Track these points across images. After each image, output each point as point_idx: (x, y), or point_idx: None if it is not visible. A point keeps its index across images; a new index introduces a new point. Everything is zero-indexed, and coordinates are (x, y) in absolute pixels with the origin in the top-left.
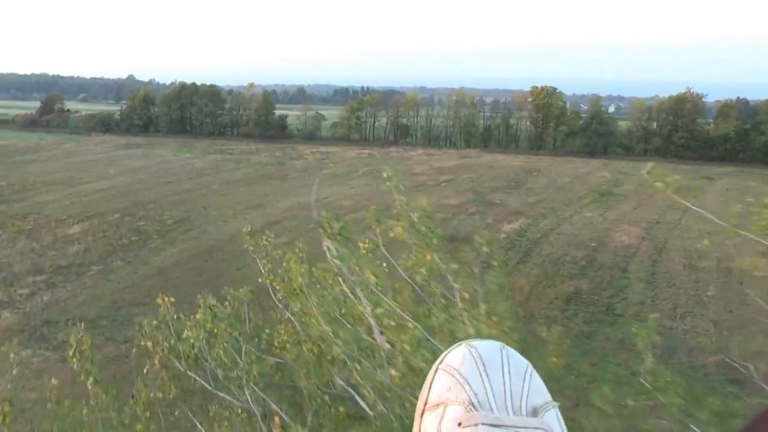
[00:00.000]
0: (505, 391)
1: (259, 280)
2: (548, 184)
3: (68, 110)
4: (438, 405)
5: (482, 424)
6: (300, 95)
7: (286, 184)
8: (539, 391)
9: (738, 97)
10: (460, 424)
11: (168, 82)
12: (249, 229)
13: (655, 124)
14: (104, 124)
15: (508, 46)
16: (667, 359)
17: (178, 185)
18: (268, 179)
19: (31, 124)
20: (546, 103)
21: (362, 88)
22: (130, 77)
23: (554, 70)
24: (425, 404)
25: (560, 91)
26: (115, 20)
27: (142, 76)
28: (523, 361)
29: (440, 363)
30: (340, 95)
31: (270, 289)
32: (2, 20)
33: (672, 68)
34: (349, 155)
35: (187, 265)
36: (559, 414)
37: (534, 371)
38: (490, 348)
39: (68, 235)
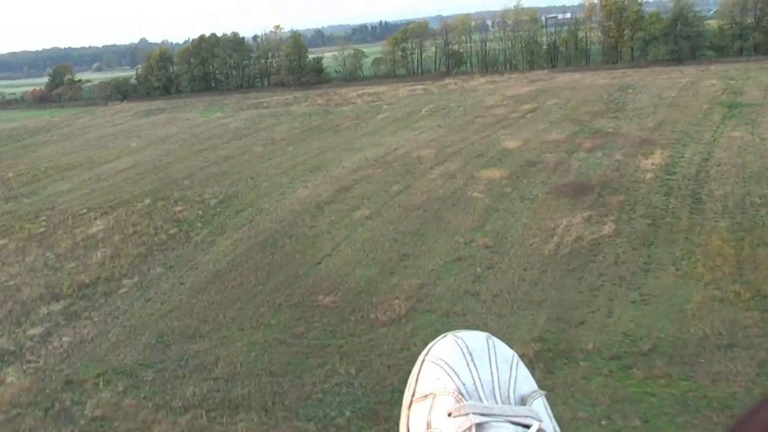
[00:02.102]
0: (492, 380)
1: None
2: (654, 101)
3: (79, 80)
4: (426, 396)
5: (472, 413)
6: (318, 38)
7: (341, 136)
8: (526, 380)
9: None
10: (449, 414)
11: (181, 41)
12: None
13: (751, 19)
14: (120, 91)
15: None
16: None
17: (215, 152)
18: (318, 132)
19: (41, 100)
20: (619, 8)
21: (380, 22)
22: (143, 41)
23: None
24: (413, 396)
25: None
26: None
27: (154, 38)
28: (510, 351)
29: (426, 354)
30: (359, 33)
31: None
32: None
33: None
34: (402, 93)
35: (247, 264)
36: (546, 402)
37: (520, 361)
38: (477, 338)
39: (90, 235)
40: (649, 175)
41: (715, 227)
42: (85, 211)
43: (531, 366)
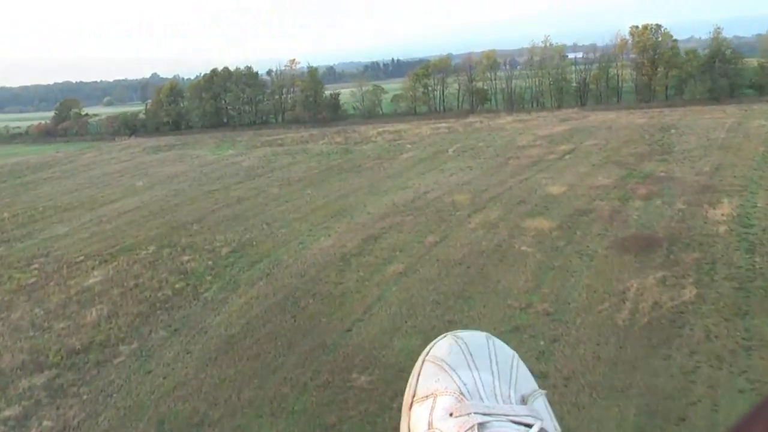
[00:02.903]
0: (493, 380)
1: None
2: (702, 143)
3: (86, 114)
4: (427, 396)
5: (474, 413)
6: (331, 74)
7: (364, 178)
8: (527, 380)
9: None
10: (451, 414)
11: (193, 77)
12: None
13: None
14: (129, 126)
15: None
16: None
17: (226, 193)
18: (337, 173)
19: (47, 134)
20: (653, 44)
21: (392, 60)
22: (154, 75)
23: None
24: (413, 396)
25: (667, 29)
26: (134, 22)
27: (166, 73)
28: (510, 351)
29: (427, 354)
30: (371, 70)
31: None
32: (22, 33)
33: None
34: (425, 132)
35: (264, 328)
36: (546, 401)
37: (520, 360)
38: (477, 338)
39: (85, 288)
40: (722, 228)
41: None
42: (82, 258)
43: None
